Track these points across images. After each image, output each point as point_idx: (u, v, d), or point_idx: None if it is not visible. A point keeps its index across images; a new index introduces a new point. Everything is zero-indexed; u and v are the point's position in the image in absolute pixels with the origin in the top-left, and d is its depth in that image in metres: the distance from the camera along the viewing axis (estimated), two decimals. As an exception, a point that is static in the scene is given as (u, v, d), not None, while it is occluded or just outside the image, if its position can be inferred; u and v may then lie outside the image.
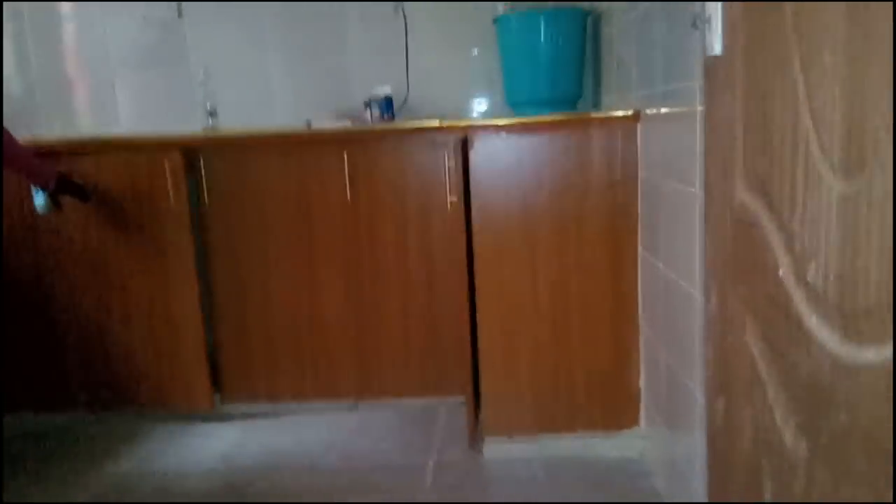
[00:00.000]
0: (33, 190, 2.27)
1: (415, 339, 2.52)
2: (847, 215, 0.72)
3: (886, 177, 0.64)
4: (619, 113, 2.02)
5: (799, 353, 0.83)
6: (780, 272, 0.87)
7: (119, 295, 2.47)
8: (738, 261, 1.02)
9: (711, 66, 1.13)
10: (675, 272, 1.67)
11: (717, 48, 1.08)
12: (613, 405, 2.11)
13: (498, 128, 2.04)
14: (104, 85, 2.98)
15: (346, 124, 2.62)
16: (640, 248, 2.03)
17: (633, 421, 2.11)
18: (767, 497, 0.92)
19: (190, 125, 2.79)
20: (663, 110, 1.75)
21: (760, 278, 0.93)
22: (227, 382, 2.56)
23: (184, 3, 2.90)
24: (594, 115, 2.11)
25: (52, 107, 2.98)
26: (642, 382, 2.08)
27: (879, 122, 0.66)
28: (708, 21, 1.09)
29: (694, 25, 1.19)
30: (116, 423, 2.54)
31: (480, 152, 2.03)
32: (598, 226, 2.04)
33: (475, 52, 2.88)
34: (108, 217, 2.43)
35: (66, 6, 2.96)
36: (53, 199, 2.29)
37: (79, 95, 3.00)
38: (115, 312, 2.49)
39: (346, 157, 2.41)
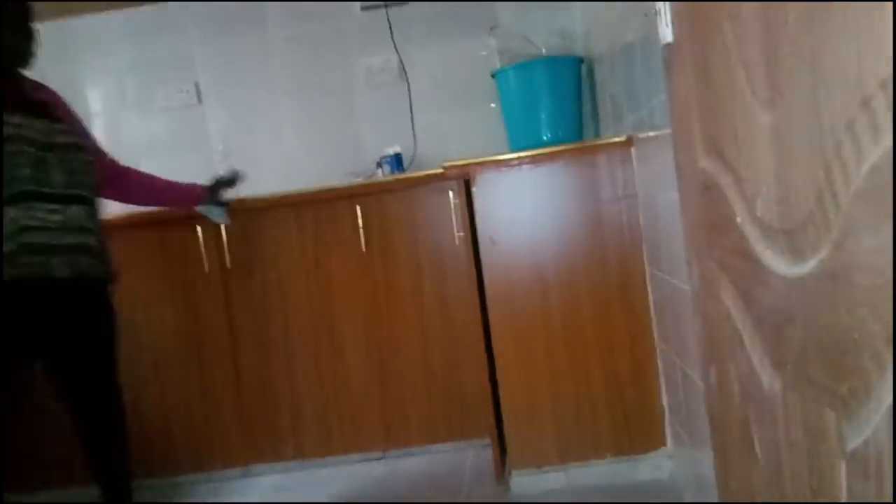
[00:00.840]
0: (201, 210, 2.38)
1: (437, 384, 2.54)
2: (777, 141, 0.77)
3: (803, 98, 0.70)
4: (614, 139, 2.09)
5: (762, 290, 0.85)
6: (738, 220, 0.91)
7: (154, 360, 2.56)
8: (710, 226, 1.06)
9: (667, 54, 1.20)
10: (678, 278, 1.70)
11: (668, 36, 1.15)
12: (639, 427, 2.09)
13: (498, 163, 2.13)
14: (133, 170, 3.17)
15: (359, 181, 2.74)
16: (646, 264, 2.06)
17: (659, 441, 2.07)
18: (757, 449, 0.93)
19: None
20: (651, 133, 1.82)
21: (727, 235, 0.97)
22: (256, 442, 2.59)
23: (202, 89, 3.12)
24: (589, 143, 2.19)
25: None
26: (665, 401, 2.06)
27: (789, 49, 0.72)
28: (658, 13, 1.17)
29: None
30: (154, 487, 2.58)
31: (482, 187, 2.11)
32: (605, 246, 2.08)
33: (476, 106, 3.01)
34: (143, 290, 2.55)
35: (96, 103, 3.19)
36: (220, 204, 2.39)
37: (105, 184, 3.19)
38: (151, 378, 2.56)
39: (358, 210, 2.51)
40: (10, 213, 1.77)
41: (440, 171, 2.40)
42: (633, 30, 1.86)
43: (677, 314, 1.78)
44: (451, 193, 2.38)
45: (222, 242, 2.54)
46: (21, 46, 1.83)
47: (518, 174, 2.11)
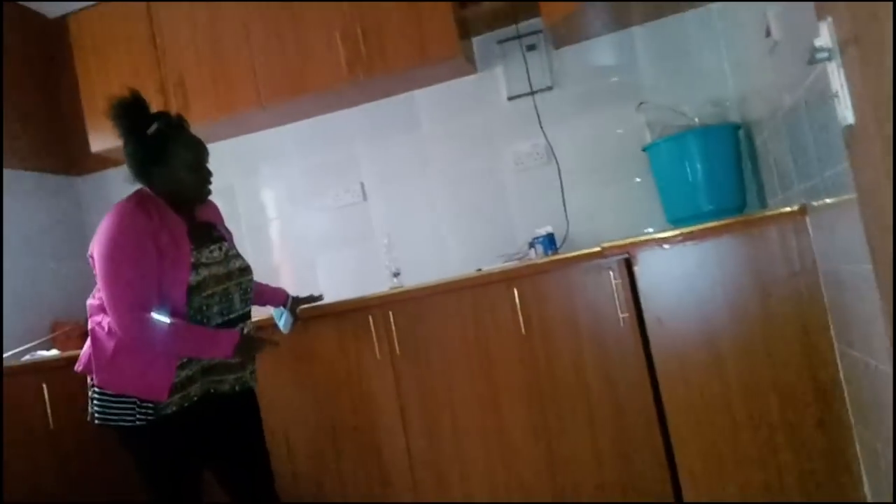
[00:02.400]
0: (274, 312, 2.57)
1: (608, 469, 2.45)
2: None
3: None
4: (785, 209, 2.00)
5: None
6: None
7: (333, 439, 2.69)
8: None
9: (848, 135, 1.15)
10: (876, 357, 1.56)
11: (849, 119, 1.11)
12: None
13: (660, 241, 2.09)
14: (306, 265, 3.44)
15: (513, 264, 2.79)
16: (834, 340, 1.91)
17: (868, 538, 1.86)
18: None
19: (379, 288, 3.10)
20: (828, 200, 1.73)
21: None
22: (429, 528, 2.62)
23: (367, 187, 3.36)
24: (757, 214, 2.10)
25: None
26: (868, 493, 1.86)
27: None
28: (837, 96, 1.14)
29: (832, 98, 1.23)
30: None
31: (645, 266, 2.07)
32: (784, 323, 1.96)
33: (627, 181, 3.00)
34: (320, 376, 2.72)
35: (271, 209, 3.52)
36: (293, 314, 2.57)
37: (285, 276, 3.47)
38: (328, 456, 2.69)
39: (516, 292, 2.54)
40: None
41: (597, 249, 2.40)
42: (793, 94, 1.80)
43: (876, 395, 1.63)
44: (611, 273, 2.36)
45: (391, 329, 2.66)
46: (201, 186, 2.02)
47: (682, 251, 2.06)
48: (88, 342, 1.94)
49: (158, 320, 1.82)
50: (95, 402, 1.91)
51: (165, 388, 1.87)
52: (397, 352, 2.66)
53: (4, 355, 2.76)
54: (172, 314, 1.85)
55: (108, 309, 1.84)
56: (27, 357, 2.78)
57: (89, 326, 1.95)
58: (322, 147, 3.42)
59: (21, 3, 3.54)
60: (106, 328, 1.89)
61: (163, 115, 2.00)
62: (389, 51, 2.96)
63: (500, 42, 3.17)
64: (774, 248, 1.99)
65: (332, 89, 3.07)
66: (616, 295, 2.37)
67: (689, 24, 2.94)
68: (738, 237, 2.03)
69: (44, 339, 3.03)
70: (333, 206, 3.40)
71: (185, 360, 1.93)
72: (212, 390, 2.00)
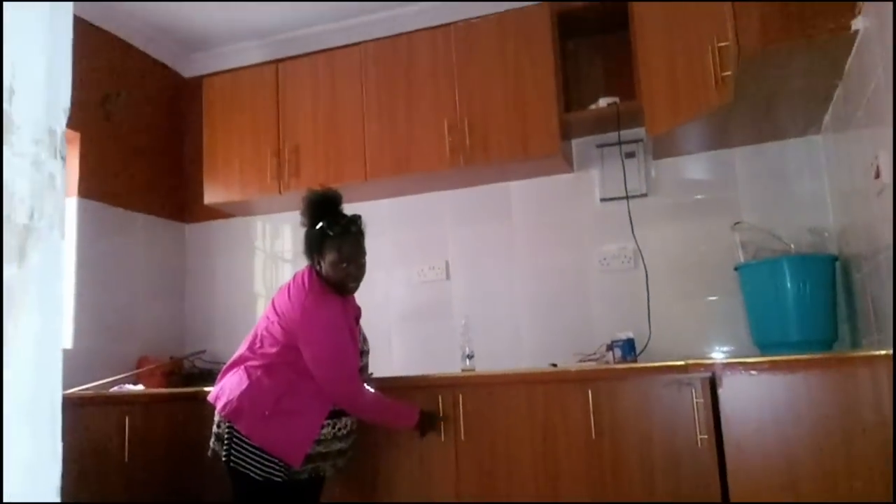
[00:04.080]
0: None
1: None
2: None
3: None
4: (880, 352, 1.95)
5: None
6: None
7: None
8: None
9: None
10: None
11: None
12: None
13: (747, 366, 2.06)
14: (383, 335, 3.51)
15: (590, 365, 2.78)
16: (928, 500, 1.81)
17: None
18: None
19: (451, 368, 3.13)
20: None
21: None
22: None
23: (451, 267, 3.44)
24: (849, 354, 2.05)
25: None
26: None
27: None
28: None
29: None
30: None
31: (730, 390, 2.04)
32: (869, 470, 1.88)
33: (715, 297, 2.97)
34: (382, 447, 2.74)
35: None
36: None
37: (362, 344, 3.55)
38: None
39: (590, 395, 2.52)
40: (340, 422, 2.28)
41: (681, 363, 2.37)
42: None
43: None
44: (693, 391, 2.31)
45: (459, 413, 2.67)
46: (344, 279, 2.34)
47: (769, 379, 2.03)
48: (240, 389, 2.14)
49: (367, 389, 2.26)
50: (236, 447, 2.10)
51: (301, 456, 2.11)
52: (462, 436, 2.66)
53: (92, 385, 2.91)
54: None
55: (326, 372, 2.17)
56: (113, 389, 2.92)
57: (248, 375, 2.16)
58: (414, 223, 3.54)
59: (161, 60, 3.89)
60: (266, 382, 2.11)
61: (338, 216, 2.34)
62: (492, 143, 3.10)
63: (600, 146, 3.26)
64: (865, 391, 1.93)
65: (433, 172, 3.21)
66: (696, 414, 2.32)
67: (791, 151, 2.96)
68: (828, 374, 1.98)
69: (130, 373, 3.18)
70: (417, 281, 3.49)
71: (326, 435, 2.20)
72: (336, 467, 2.32)
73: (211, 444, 2.23)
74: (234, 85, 3.62)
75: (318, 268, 2.31)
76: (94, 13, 3.44)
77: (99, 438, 2.53)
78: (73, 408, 2.52)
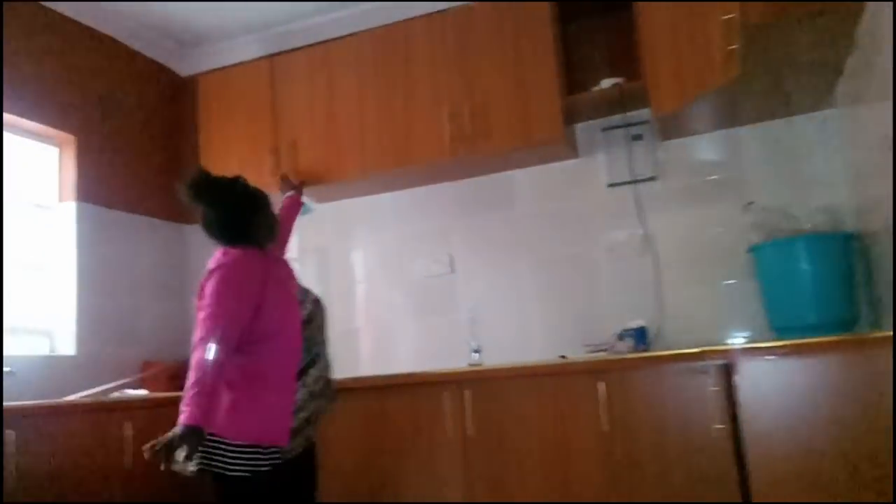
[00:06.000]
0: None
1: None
2: None
3: None
4: (903, 331, 1.86)
5: None
6: None
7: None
8: None
9: None
10: None
11: None
12: None
13: (763, 351, 1.97)
14: (387, 330, 3.44)
15: (600, 356, 2.69)
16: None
17: None
18: None
19: (457, 363, 3.05)
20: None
21: None
22: None
23: (455, 259, 3.36)
24: (870, 335, 1.95)
25: (344, 353, 3.43)
26: None
27: None
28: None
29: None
30: None
31: (746, 377, 1.96)
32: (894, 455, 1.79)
33: (728, 281, 2.88)
34: (388, 443, 2.67)
35: (360, 272, 3.56)
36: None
37: (364, 339, 3.48)
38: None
39: (601, 387, 2.44)
40: (308, 378, 2.11)
41: (695, 351, 2.29)
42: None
43: None
44: (708, 379, 2.22)
45: (466, 409, 2.60)
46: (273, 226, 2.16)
47: (787, 363, 1.94)
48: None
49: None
50: (214, 453, 1.86)
51: (287, 433, 1.96)
52: (468, 432, 2.59)
53: (95, 390, 2.86)
54: None
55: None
56: (115, 394, 2.87)
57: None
58: (416, 217, 3.46)
59: (157, 59, 3.83)
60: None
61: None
62: (494, 131, 3.01)
63: (605, 130, 3.16)
64: (887, 373, 1.84)
65: (434, 163, 3.14)
66: (712, 403, 2.23)
67: (802, 126, 2.86)
68: (847, 356, 1.89)
69: (133, 378, 3.13)
70: (421, 275, 3.42)
71: (299, 407, 2.06)
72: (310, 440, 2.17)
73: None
74: (228, 82, 3.55)
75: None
76: (86, 14, 3.39)
77: (101, 444, 2.48)
78: (75, 414, 2.47)
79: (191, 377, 1.80)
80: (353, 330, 3.50)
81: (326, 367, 2.30)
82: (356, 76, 3.28)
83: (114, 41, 3.57)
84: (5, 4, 3.02)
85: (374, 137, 3.20)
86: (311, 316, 2.19)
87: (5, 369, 2.68)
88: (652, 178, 3.06)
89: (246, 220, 2.03)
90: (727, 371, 2.00)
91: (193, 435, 1.74)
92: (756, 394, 1.92)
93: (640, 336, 2.83)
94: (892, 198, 1.82)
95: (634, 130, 3.10)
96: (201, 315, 1.91)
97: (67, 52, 3.34)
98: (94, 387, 2.89)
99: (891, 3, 1.61)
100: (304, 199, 3.06)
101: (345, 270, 3.59)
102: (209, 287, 1.92)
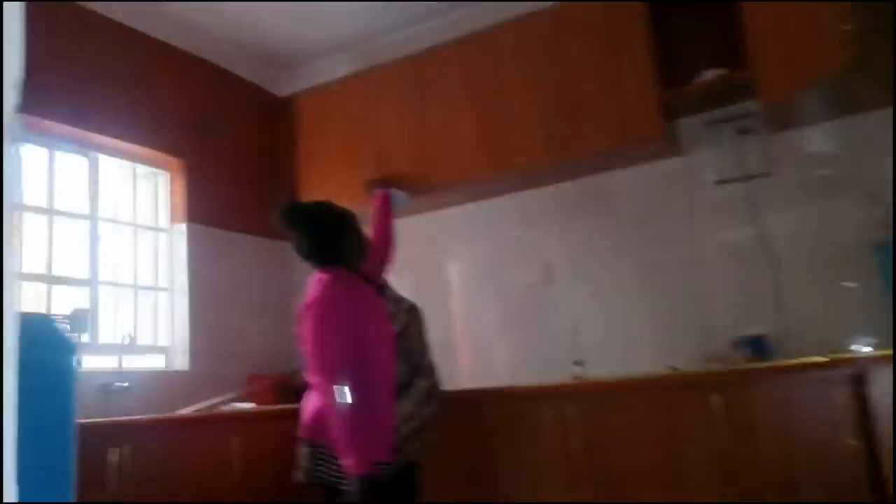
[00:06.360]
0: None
1: None
2: None
3: None
4: None
5: None
6: None
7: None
8: None
9: None
10: None
11: None
12: None
13: (898, 358, 1.76)
14: (484, 343, 3.38)
15: (715, 366, 2.52)
16: None
17: None
18: None
19: (557, 376, 2.94)
20: None
21: None
22: None
23: (553, 268, 3.25)
24: None
25: (439, 365, 3.39)
26: None
27: None
28: None
29: None
30: None
31: (879, 387, 1.75)
32: None
33: (854, 282, 2.61)
34: (485, 460, 2.60)
35: (454, 283, 3.51)
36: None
37: (461, 352, 3.42)
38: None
39: (716, 400, 2.27)
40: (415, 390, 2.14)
41: (822, 360, 2.08)
42: None
43: None
44: (836, 391, 2.01)
45: (569, 424, 2.49)
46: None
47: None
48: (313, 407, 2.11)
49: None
50: (331, 469, 2.04)
51: (388, 450, 2.01)
52: (572, 448, 2.48)
53: (205, 403, 2.96)
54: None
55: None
56: (224, 407, 2.96)
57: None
58: (509, 225, 3.39)
59: (256, 82, 3.97)
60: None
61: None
62: (588, 131, 2.90)
63: (709, 124, 2.97)
64: None
65: (526, 169, 3.06)
66: (843, 416, 2.01)
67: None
68: None
69: (241, 391, 3.22)
70: (517, 285, 3.33)
71: (408, 416, 2.10)
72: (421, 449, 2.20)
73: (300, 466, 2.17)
74: (323, 99, 3.63)
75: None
76: (189, 42, 3.56)
77: (210, 455, 2.56)
78: (187, 426, 2.56)
79: (336, 427, 1.96)
80: (449, 342, 3.45)
81: (432, 373, 2.28)
82: (444, 87, 3.26)
83: (213, 66, 3.73)
84: (117, 37, 3.22)
85: (465, 146, 3.16)
86: (405, 328, 2.18)
87: (122, 384, 2.82)
88: (765, 174, 2.84)
89: (334, 241, 2.15)
90: (857, 381, 1.80)
91: (370, 482, 1.92)
92: (891, 405, 1.71)
93: (758, 345, 2.63)
94: None
95: (741, 123, 2.89)
96: (308, 352, 2.06)
97: (175, 79, 3.52)
98: (204, 400, 2.99)
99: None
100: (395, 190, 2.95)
101: (439, 282, 3.56)
102: (307, 329, 2.06)
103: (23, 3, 0.49)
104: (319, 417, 2.06)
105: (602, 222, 3.18)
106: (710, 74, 2.75)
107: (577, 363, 2.93)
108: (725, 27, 2.78)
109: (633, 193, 3.13)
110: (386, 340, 2.11)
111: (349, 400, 1.95)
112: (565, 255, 3.25)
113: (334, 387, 1.96)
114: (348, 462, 1.94)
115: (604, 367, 2.92)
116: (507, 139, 3.07)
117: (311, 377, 2.09)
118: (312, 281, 2.18)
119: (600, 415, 2.45)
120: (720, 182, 2.93)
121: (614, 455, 2.41)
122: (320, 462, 2.06)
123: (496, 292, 3.39)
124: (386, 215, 2.77)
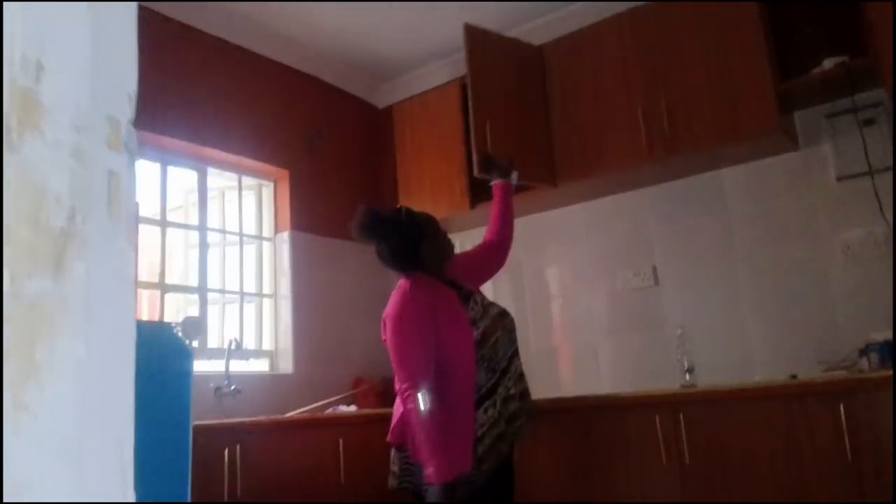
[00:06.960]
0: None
1: None
2: None
3: None
4: None
5: None
6: None
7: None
8: None
9: None
10: None
11: None
12: None
13: None
14: (588, 349, 3.28)
15: (840, 374, 2.34)
16: None
17: None
18: None
19: (668, 383, 2.82)
20: None
21: None
22: None
23: (659, 271, 3.13)
24: None
25: (541, 373, 3.30)
26: None
27: None
28: None
29: None
30: None
31: None
32: None
33: None
34: (595, 469, 2.52)
35: (555, 287, 3.44)
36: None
37: (563, 358, 3.34)
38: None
39: (842, 409, 2.10)
40: (497, 397, 2.05)
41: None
42: None
43: None
44: None
45: (681, 433, 2.38)
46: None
47: None
48: (396, 416, 2.09)
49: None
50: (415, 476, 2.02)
51: (469, 460, 1.96)
52: (686, 460, 2.36)
53: (311, 406, 3.04)
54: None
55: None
56: (329, 410, 3.02)
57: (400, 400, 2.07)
58: (613, 227, 3.28)
59: (356, 94, 4.05)
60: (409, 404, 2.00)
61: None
62: (696, 128, 2.77)
63: (829, 116, 2.77)
64: None
65: (629, 169, 2.95)
66: None
67: None
68: None
69: (345, 394, 3.28)
70: (621, 289, 3.22)
71: (490, 425, 2.04)
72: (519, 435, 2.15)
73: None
74: (420, 108, 3.66)
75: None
76: (292, 58, 3.67)
77: (316, 456, 2.61)
78: (293, 428, 2.63)
79: (417, 433, 1.94)
80: (551, 349, 3.38)
81: (519, 380, 2.18)
82: (542, 86, 3.20)
83: (318, 80, 3.84)
84: (223, 55, 3.36)
85: (562, 147, 3.10)
86: (486, 334, 2.10)
87: (231, 387, 2.93)
88: (891, 169, 2.61)
89: (413, 247, 2.13)
90: None
91: (449, 491, 1.88)
92: None
93: (888, 351, 2.41)
94: None
95: (865, 114, 2.68)
96: (393, 359, 2.05)
97: (280, 94, 3.64)
98: (310, 403, 3.06)
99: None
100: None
101: (539, 287, 3.50)
102: (389, 335, 2.06)
103: (135, 6, 0.49)
104: (403, 424, 2.05)
105: (711, 222, 3.03)
106: (829, 63, 2.56)
107: (687, 370, 2.79)
108: (845, 14, 2.59)
109: (746, 190, 2.96)
110: (465, 346, 2.06)
111: (429, 406, 1.92)
112: (671, 257, 3.12)
113: (414, 393, 1.93)
114: (428, 470, 1.91)
115: (715, 374, 2.77)
116: (608, 139, 2.98)
117: (395, 383, 2.08)
118: (395, 292, 2.16)
119: (716, 424, 2.33)
120: (842, 177, 2.73)
121: (732, 468, 2.28)
122: (406, 468, 2.05)
123: (598, 297, 3.29)
124: (503, 206, 2.58)
